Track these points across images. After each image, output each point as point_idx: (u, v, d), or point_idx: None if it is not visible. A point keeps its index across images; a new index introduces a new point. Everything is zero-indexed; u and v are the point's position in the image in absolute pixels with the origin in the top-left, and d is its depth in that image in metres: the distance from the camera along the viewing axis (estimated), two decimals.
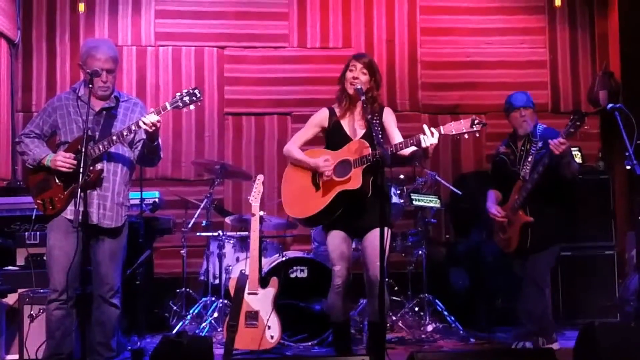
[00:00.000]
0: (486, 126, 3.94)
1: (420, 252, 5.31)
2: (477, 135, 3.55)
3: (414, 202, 5.24)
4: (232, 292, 4.25)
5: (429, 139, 3.39)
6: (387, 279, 5.33)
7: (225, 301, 4.82)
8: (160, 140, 3.71)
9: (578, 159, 5.66)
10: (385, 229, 3.17)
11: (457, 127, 3.44)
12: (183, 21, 6.33)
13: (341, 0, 6.50)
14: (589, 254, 5.41)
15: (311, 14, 6.47)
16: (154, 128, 3.48)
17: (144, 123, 3.46)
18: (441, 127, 3.47)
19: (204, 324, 4.88)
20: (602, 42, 6.57)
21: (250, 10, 6.42)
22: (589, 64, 6.61)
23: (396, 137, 3.73)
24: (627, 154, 3.91)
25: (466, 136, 3.49)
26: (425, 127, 3.42)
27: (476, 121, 3.43)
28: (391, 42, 6.53)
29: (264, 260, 4.97)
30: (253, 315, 4.16)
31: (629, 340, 3.36)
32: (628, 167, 3.90)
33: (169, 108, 3.55)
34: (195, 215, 5.26)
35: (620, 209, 5.68)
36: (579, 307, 5.19)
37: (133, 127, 3.52)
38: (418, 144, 3.43)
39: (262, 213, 4.70)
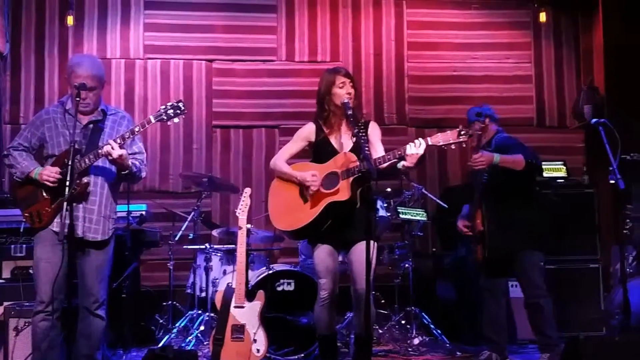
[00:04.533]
0: (473, 137, 4.01)
1: (406, 265, 5.33)
2: (464, 145, 3.61)
3: (401, 215, 5.27)
4: (218, 305, 4.24)
5: (415, 148, 3.45)
6: (373, 292, 5.35)
7: (212, 314, 4.81)
8: (139, 164, 3.69)
9: (562, 173, 5.72)
10: (372, 242, 3.19)
11: (444, 137, 3.50)
12: (172, 34, 6.37)
13: (329, 15, 6.57)
14: (574, 267, 5.44)
15: (299, 28, 6.53)
16: (111, 157, 3.47)
17: (103, 150, 3.47)
18: (428, 138, 3.52)
19: (190, 338, 4.86)
20: (586, 57, 6.67)
21: (239, 24, 6.47)
22: (574, 78, 6.71)
23: (379, 150, 3.75)
24: (611, 168, 3.94)
25: (453, 147, 3.53)
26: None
27: (462, 132, 3.48)
28: (379, 56, 6.60)
29: (251, 273, 4.96)
30: (239, 329, 4.15)
31: (614, 354, 3.39)
32: (612, 182, 3.92)
33: (153, 121, 3.56)
34: (183, 228, 5.26)
35: (605, 222, 5.73)
36: (565, 320, 5.19)
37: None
38: (403, 155, 3.47)
39: (249, 226, 4.71)
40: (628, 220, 4.95)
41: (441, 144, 3.49)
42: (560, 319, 5.04)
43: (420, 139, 3.51)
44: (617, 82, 6.30)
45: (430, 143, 3.49)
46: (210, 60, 6.41)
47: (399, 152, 3.52)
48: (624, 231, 4.86)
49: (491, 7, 6.70)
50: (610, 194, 5.73)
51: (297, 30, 6.52)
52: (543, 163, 5.74)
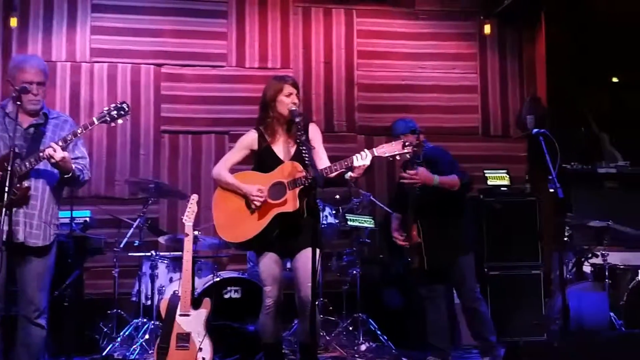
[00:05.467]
0: (418, 148, 4.09)
1: (354, 271, 5.37)
2: (408, 157, 3.68)
3: (349, 222, 5.32)
4: (163, 313, 4.18)
5: (362, 160, 3.50)
6: (322, 299, 5.39)
7: (157, 323, 4.74)
8: (81, 168, 3.63)
9: (506, 181, 5.87)
10: (317, 250, 3.21)
11: (390, 149, 3.57)
12: (120, 38, 6.27)
13: (280, 22, 6.58)
14: (516, 273, 5.59)
15: (250, 34, 6.52)
16: (53, 160, 3.41)
17: (45, 153, 3.40)
18: (374, 149, 3.58)
19: (134, 346, 4.78)
20: (530, 68, 6.87)
21: (189, 29, 6.42)
22: (518, 89, 6.90)
23: (322, 154, 3.77)
24: (550, 177, 4.06)
25: (398, 157, 3.60)
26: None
27: (407, 143, 3.55)
28: (329, 64, 6.65)
29: (197, 280, 4.93)
30: (184, 337, 4.10)
31: (553, 359, 3.48)
32: (551, 190, 4.05)
33: (96, 123, 3.51)
34: (128, 235, 5.17)
35: (546, 229, 5.90)
36: (507, 325, 5.33)
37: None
38: (351, 165, 3.51)
39: (196, 233, 4.68)
40: (568, 228, 5.14)
41: (387, 155, 3.56)
42: (503, 324, 5.18)
43: (366, 150, 3.56)
44: (559, 93, 6.51)
45: (376, 154, 3.55)
46: (159, 65, 6.33)
47: (346, 163, 3.55)
48: (564, 238, 5.03)
49: (438, 19, 6.83)
50: (551, 202, 5.92)
51: (247, 36, 6.51)
52: (487, 171, 5.91)
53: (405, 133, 4.34)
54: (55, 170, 3.59)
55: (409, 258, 4.45)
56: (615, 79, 7.00)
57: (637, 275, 4.80)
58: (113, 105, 3.55)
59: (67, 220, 4.54)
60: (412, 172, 4.21)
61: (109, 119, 3.52)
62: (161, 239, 5.32)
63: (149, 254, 5.06)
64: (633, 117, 6.68)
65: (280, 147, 3.80)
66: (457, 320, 5.21)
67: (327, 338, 5.11)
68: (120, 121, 3.55)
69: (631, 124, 6.64)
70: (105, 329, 5.23)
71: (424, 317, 4.57)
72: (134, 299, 5.26)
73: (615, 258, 5.12)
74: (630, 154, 6.53)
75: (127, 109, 3.54)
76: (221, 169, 3.87)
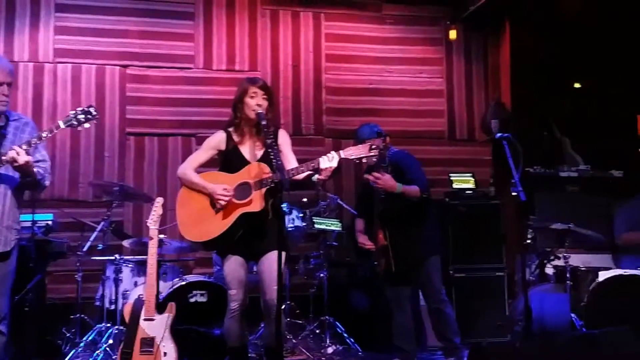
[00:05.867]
0: (384, 151, 4.12)
1: (322, 274, 5.38)
2: (375, 160, 3.70)
3: (316, 225, 5.32)
4: (127, 318, 4.13)
5: (329, 162, 3.51)
6: (289, 302, 5.39)
7: (121, 327, 4.68)
8: (43, 171, 3.55)
9: (471, 184, 5.95)
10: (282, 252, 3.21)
11: (356, 151, 3.59)
12: (84, 38, 6.18)
13: (248, 24, 6.57)
14: (481, 275, 5.67)
15: (217, 36, 6.49)
16: (17, 164, 3.34)
17: (8, 156, 3.33)
18: (341, 151, 3.59)
19: (98, 352, 4.71)
20: (494, 73, 6.98)
21: (155, 30, 6.36)
22: (483, 93, 7.00)
23: (290, 159, 3.79)
24: (513, 180, 4.12)
25: (364, 160, 3.63)
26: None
27: (374, 147, 3.58)
28: (297, 67, 6.65)
29: (163, 284, 4.88)
30: (148, 342, 4.05)
31: None
32: (514, 194, 4.11)
33: (62, 126, 3.45)
34: (92, 238, 5.08)
35: (510, 232, 6.00)
36: (472, 327, 5.41)
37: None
38: (317, 167, 3.52)
39: (162, 236, 4.63)
40: (531, 230, 5.21)
41: (353, 157, 3.58)
42: (468, 325, 5.25)
43: (333, 152, 3.57)
44: (522, 97, 6.62)
45: (342, 156, 3.56)
46: (124, 66, 6.26)
47: (313, 165, 3.56)
48: (527, 241, 5.11)
49: (405, 23, 6.89)
50: (515, 206, 6.01)
51: (215, 38, 6.48)
52: (453, 175, 5.98)
53: (371, 138, 4.36)
54: (16, 174, 3.52)
55: (375, 261, 4.48)
56: (577, 85, 7.15)
57: (598, 277, 4.89)
58: (80, 108, 3.50)
59: (28, 224, 4.44)
60: (377, 174, 4.24)
61: (75, 122, 3.47)
62: (125, 243, 5.25)
63: (113, 257, 4.99)
64: (594, 122, 6.84)
65: (248, 149, 3.80)
66: (423, 322, 5.25)
67: (294, 341, 5.10)
68: (87, 125, 3.50)
69: (592, 129, 6.80)
70: (68, 334, 5.16)
71: (390, 320, 4.60)
72: (97, 303, 5.18)
73: (577, 260, 5.22)
74: (591, 158, 6.69)
75: (94, 113, 3.49)
76: (187, 168, 3.85)
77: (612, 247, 5.57)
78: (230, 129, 3.84)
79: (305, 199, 5.45)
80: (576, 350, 3.57)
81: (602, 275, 4.88)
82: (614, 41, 6.65)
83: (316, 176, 3.65)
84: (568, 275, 4.97)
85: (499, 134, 4.38)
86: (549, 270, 5.32)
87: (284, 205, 5.00)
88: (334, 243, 5.53)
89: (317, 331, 5.30)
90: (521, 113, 6.60)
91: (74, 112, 3.49)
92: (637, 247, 5.29)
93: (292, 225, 5.21)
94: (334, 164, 3.53)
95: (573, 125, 6.87)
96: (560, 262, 5.13)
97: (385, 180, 4.26)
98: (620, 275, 4.84)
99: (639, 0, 6.35)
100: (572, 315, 4.87)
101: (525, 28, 6.63)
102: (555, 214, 5.69)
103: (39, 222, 4.68)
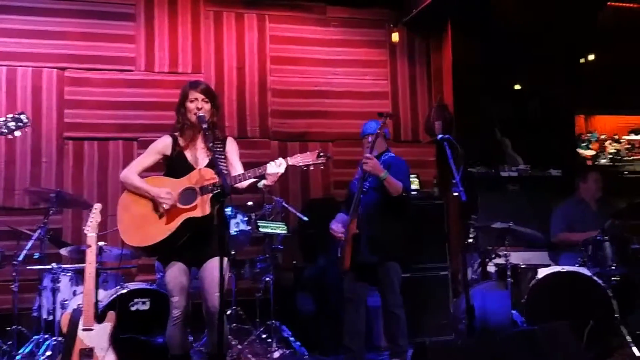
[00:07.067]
0: (330, 158, 4.14)
1: (268, 278, 5.34)
2: (322, 167, 3.72)
3: (261, 229, 5.28)
4: (64, 328, 4.01)
5: (276, 168, 3.52)
6: (234, 307, 5.33)
7: (59, 338, 4.54)
8: None
9: (415, 185, 6.02)
10: (224, 258, 3.17)
11: (304, 158, 3.62)
12: (20, 40, 5.97)
13: (191, 26, 6.47)
14: (425, 274, 5.74)
15: (159, 38, 6.37)
16: None
17: None
18: (288, 158, 3.61)
19: None
20: (437, 75, 7.07)
21: (95, 32, 6.20)
22: (427, 95, 7.09)
23: (237, 167, 3.77)
24: (454, 181, 4.18)
25: (312, 167, 3.65)
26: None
27: (321, 154, 3.62)
28: (241, 69, 6.59)
29: (103, 293, 4.76)
30: (88, 353, 3.94)
31: (457, 358, 3.59)
32: (455, 194, 4.17)
33: None
34: (27, 247, 4.90)
35: (453, 232, 6.09)
36: (418, 326, 5.45)
37: None
38: (264, 173, 3.51)
39: (102, 243, 4.51)
40: (472, 230, 5.31)
41: (300, 164, 3.60)
42: (414, 325, 5.29)
43: (280, 158, 3.58)
44: (464, 99, 6.73)
45: (290, 163, 3.59)
46: (62, 69, 6.07)
47: (260, 171, 3.54)
48: (468, 240, 5.20)
49: (350, 26, 6.91)
50: (458, 205, 6.12)
51: (157, 39, 6.36)
52: None
53: (371, 133, 4.52)
54: None
55: (340, 250, 4.46)
56: (517, 87, 7.32)
57: (537, 274, 5.00)
58: (10, 115, 3.39)
59: None
60: (369, 155, 4.32)
61: (5, 130, 3.37)
62: (63, 251, 5.10)
63: (50, 266, 4.83)
64: (533, 123, 7.03)
65: (193, 154, 3.77)
66: (371, 322, 5.26)
67: (239, 347, 5.05)
68: (18, 133, 3.41)
69: (531, 130, 6.98)
70: (5, 347, 4.96)
71: (338, 321, 4.59)
72: (34, 314, 5.01)
73: (517, 258, 5.34)
74: (531, 157, 6.86)
75: (26, 120, 3.39)
76: (130, 172, 3.78)
77: (549, 245, 5.72)
78: (177, 134, 3.79)
79: (250, 203, 5.41)
80: (516, 346, 3.65)
81: (541, 272, 4.99)
82: (553, 43, 6.84)
83: (262, 182, 3.63)
84: (509, 272, 5.09)
85: (440, 135, 4.46)
86: (491, 268, 5.42)
87: (229, 209, 4.99)
88: (279, 246, 5.50)
89: (264, 336, 5.25)
90: (464, 114, 6.70)
91: (3, 119, 3.39)
92: (571, 246, 5.45)
93: (237, 229, 5.16)
94: (281, 170, 3.55)
95: (513, 126, 7.04)
96: (501, 260, 5.24)
97: (375, 163, 4.30)
98: (559, 272, 4.96)
99: (574, 2, 6.57)
100: (513, 311, 4.97)
101: (466, 31, 6.74)
102: (497, 212, 5.81)
103: None
